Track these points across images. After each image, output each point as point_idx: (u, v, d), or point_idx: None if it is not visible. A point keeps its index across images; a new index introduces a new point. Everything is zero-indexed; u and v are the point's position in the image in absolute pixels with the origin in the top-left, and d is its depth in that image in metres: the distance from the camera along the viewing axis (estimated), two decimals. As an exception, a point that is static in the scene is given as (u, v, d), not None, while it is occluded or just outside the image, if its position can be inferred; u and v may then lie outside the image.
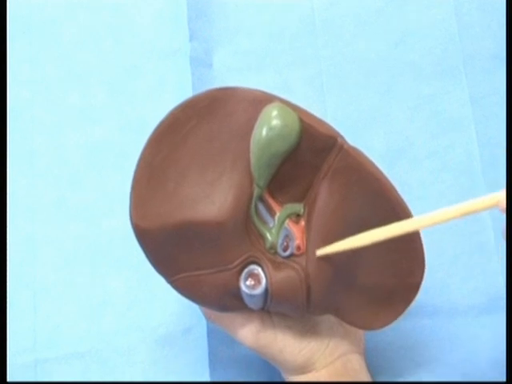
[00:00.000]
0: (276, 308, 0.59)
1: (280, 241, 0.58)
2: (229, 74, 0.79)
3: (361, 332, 0.67)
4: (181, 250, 0.58)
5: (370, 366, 0.66)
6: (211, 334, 0.72)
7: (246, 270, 0.58)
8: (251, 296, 0.58)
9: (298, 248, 0.58)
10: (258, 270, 0.58)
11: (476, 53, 0.78)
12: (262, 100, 0.57)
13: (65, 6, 0.81)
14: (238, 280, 0.58)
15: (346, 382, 0.63)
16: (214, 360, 0.72)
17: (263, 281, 0.57)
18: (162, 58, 0.80)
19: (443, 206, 0.74)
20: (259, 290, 0.57)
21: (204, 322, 0.72)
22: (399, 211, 0.58)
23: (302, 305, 0.58)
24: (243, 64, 0.79)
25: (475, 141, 0.76)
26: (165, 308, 0.74)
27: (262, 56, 0.79)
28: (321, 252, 0.57)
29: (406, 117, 0.77)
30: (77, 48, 0.80)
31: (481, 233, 0.73)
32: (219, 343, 0.72)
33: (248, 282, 0.58)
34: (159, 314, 0.74)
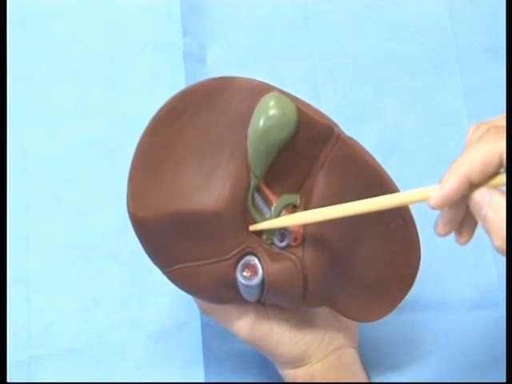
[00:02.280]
0: (272, 299, 0.59)
1: (277, 231, 0.58)
2: (222, 69, 0.79)
3: (355, 326, 0.67)
4: (177, 241, 0.58)
5: (364, 360, 0.67)
6: (206, 329, 0.72)
7: (242, 261, 0.58)
8: (248, 287, 0.58)
9: (295, 239, 0.58)
10: (255, 260, 0.58)
11: (469, 46, 0.78)
12: (259, 90, 0.57)
13: (58, 1, 0.81)
14: (234, 271, 0.58)
15: (340, 383, 0.63)
16: (208, 355, 0.72)
17: (260, 272, 0.57)
18: (156, 53, 0.80)
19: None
20: (256, 280, 0.57)
21: (198, 317, 0.72)
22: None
23: (298, 296, 0.59)
24: (237, 59, 0.80)
25: (469, 134, 0.76)
26: (159, 303, 0.73)
27: (256, 51, 0.80)
28: (253, 228, 0.58)
29: (399, 111, 0.77)
30: (70, 43, 0.80)
31: (474, 226, 0.74)
32: (214, 338, 0.72)
33: (245, 273, 0.58)
34: (153, 309, 0.74)
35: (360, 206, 0.52)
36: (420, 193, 0.49)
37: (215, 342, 0.72)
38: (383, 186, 0.58)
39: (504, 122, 0.48)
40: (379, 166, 0.58)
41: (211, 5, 0.81)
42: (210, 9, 0.81)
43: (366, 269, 0.60)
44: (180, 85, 0.78)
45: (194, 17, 0.80)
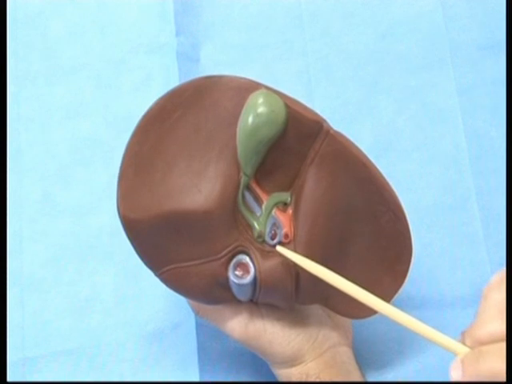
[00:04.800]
0: (265, 298, 0.59)
1: (268, 229, 0.58)
2: (216, 68, 0.79)
3: (349, 324, 0.67)
4: (169, 241, 0.58)
5: (359, 359, 0.67)
6: (200, 329, 0.72)
7: (234, 260, 0.58)
8: (240, 285, 0.58)
9: (286, 236, 0.58)
10: (246, 259, 0.58)
11: (463, 44, 0.78)
12: (247, 87, 0.57)
13: (51, 1, 0.81)
14: (226, 270, 0.58)
15: (335, 382, 0.63)
16: (203, 355, 0.72)
17: (252, 270, 0.57)
18: (149, 52, 0.80)
19: (431, 198, 0.75)
20: (248, 279, 0.57)
21: (192, 317, 0.72)
22: (386, 195, 0.58)
23: (290, 293, 0.59)
24: (230, 58, 0.80)
25: (462, 132, 0.76)
26: (153, 304, 0.73)
27: (249, 50, 0.80)
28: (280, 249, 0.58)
29: (393, 109, 0.77)
30: (63, 43, 0.81)
31: (468, 224, 0.73)
32: (208, 338, 0.72)
33: (237, 272, 0.58)
34: (148, 310, 0.74)
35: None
36: (447, 342, 0.51)
37: (210, 342, 0.72)
38: (373, 180, 0.58)
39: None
40: (368, 160, 0.58)
41: (204, 4, 0.81)
42: (203, 8, 0.81)
43: (358, 264, 0.60)
44: (174, 85, 0.75)
45: (188, 16, 0.80)
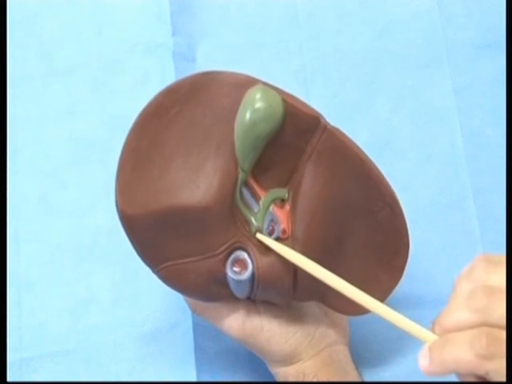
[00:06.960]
0: (263, 295, 0.59)
1: (265, 225, 0.58)
2: (212, 68, 0.79)
3: (346, 323, 0.67)
4: (167, 237, 0.57)
5: (356, 357, 0.66)
6: (197, 329, 0.72)
7: (232, 256, 0.58)
8: (238, 282, 0.58)
9: (284, 232, 0.58)
10: (244, 255, 0.58)
11: (459, 43, 0.78)
12: (244, 83, 0.57)
13: (47, 1, 0.81)
14: (224, 266, 0.58)
15: (332, 382, 0.63)
16: (200, 355, 0.71)
17: (249, 266, 0.57)
18: (145, 52, 0.80)
19: (427, 197, 0.75)
20: (246, 275, 0.57)
21: (190, 317, 0.72)
22: (383, 191, 0.58)
23: (288, 289, 0.59)
24: (226, 58, 0.80)
25: (459, 131, 0.76)
26: (150, 304, 0.73)
27: (246, 49, 0.80)
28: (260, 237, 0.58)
29: (389, 108, 0.77)
30: (59, 43, 0.80)
31: (465, 222, 0.73)
32: (205, 338, 0.72)
33: (235, 268, 0.58)
34: (145, 310, 0.73)
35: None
36: (418, 330, 0.52)
37: (207, 342, 0.72)
38: (370, 175, 0.58)
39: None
40: (366, 156, 0.58)
41: (201, 4, 0.81)
42: (199, 8, 0.81)
43: (355, 260, 0.60)
44: (170, 84, 0.78)
45: (184, 16, 0.80)
